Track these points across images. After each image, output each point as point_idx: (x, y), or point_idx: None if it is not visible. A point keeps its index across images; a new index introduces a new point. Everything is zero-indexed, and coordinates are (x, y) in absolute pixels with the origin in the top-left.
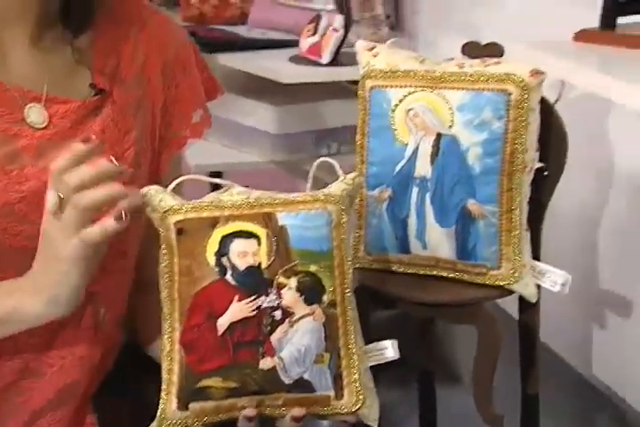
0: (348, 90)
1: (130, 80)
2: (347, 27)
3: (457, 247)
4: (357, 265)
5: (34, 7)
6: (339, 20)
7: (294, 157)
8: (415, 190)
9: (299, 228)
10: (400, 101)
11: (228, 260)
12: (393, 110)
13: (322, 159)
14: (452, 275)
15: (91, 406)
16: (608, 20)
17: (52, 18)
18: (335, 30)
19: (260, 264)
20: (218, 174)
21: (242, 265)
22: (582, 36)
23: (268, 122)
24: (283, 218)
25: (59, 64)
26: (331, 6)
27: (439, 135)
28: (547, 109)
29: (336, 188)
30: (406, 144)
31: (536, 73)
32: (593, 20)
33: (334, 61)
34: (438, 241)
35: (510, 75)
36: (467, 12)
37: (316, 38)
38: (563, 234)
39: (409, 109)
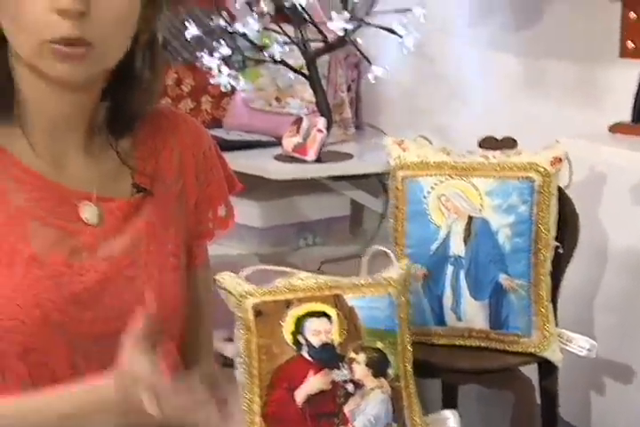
0: (323, 185)
1: (169, 180)
2: (329, 128)
3: (490, 318)
4: None
5: (84, 119)
6: (322, 122)
7: (277, 249)
8: (450, 268)
9: (366, 308)
10: (432, 189)
11: (304, 338)
12: (426, 197)
13: (376, 248)
14: (485, 344)
15: None
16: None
17: (98, 127)
18: (320, 131)
19: (332, 341)
20: None
21: (317, 342)
22: (617, 128)
23: (253, 217)
24: (351, 299)
25: (106, 167)
26: (305, 111)
27: (471, 218)
28: (559, 193)
29: (394, 273)
30: (440, 227)
31: (555, 162)
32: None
33: (318, 159)
34: (473, 313)
35: (533, 164)
36: (430, 112)
37: (299, 138)
38: (566, 307)
39: (441, 196)
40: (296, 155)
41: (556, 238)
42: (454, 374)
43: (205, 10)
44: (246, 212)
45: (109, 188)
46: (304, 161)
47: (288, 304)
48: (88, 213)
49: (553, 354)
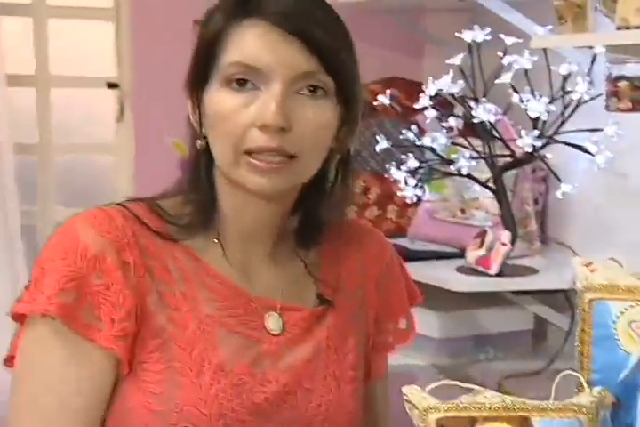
0: (505, 298)
1: (351, 291)
2: (513, 241)
3: None
4: None
5: (274, 229)
6: (506, 236)
7: (455, 361)
8: None
9: None
10: (622, 313)
11: None
12: (615, 322)
13: (566, 372)
14: None
15: None
16: None
17: (287, 236)
18: (504, 244)
19: None
20: None
21: None
22: None
23: (431, 327)
24: (539, 423)
25: (291, 276)
26: (489, 223)
27: None
28: None
29: (585, 399)
30: (630, 353)
31: None
32: None
33: (501, 272)
34: None
35: None
36: (622, 230)
37: (483, 251)
38: None
39: (632, 321)
40: (479, 267)
41: None
42: None
43: (395, 121)
44: (425, 321)
45: (293, 297)
46: (486, 274)
47: (472, 422)
48: (272, 322)
49: None
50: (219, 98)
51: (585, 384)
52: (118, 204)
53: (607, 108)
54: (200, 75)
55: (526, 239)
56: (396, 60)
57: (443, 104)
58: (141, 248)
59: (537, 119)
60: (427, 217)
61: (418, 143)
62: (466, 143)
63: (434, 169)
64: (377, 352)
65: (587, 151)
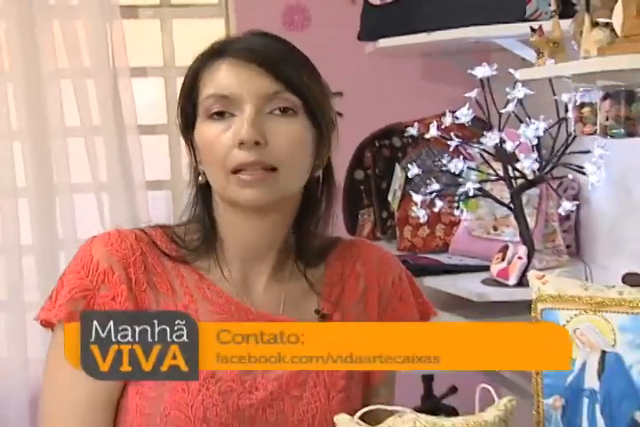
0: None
1: (350, 306)
2: (529, 255)
3: None
4: None
5: (274, 247)
6: (522, 250)
7: None
8: (585, 401)
9: None
10: (567, 322)
11: None
12: None
13: (482, 386)
14: None
15: None
16: None
17: (290, 253)
18: (520, 258)
19: None
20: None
21: None
22: None
23: None
24: None
25: (292, 292)
26: (517, 238)
27: (604, 352)
28: None
29: (489, 414)
30: (575, 359)
31: None
32: None
33: (519, 283)
34: None
35: None
36: (634, 242)
37: (504, 264)
38: None
39: (576, 329)
40: (499, 279)
41: None
42: None
43: (441, 150)
44: None
45: (292, 311)
46: (506, 285)
47: None
48: None
49: None
50: (203, 129)
51: (495, 397)
52: (137, 228)
53: (574, 132)
54: (188, 115)
55: (555, 253)
56: (457, 97)
57: (468, 134)
58: (147, 266)
59: (539, 144)
60: (465, 234)
61: (444, 169)
62: (487, 166)
63: (464, 192)
64: None
65: (581, 172)
